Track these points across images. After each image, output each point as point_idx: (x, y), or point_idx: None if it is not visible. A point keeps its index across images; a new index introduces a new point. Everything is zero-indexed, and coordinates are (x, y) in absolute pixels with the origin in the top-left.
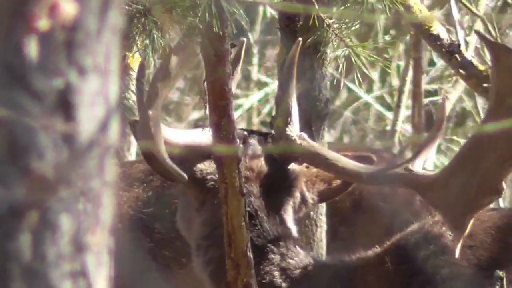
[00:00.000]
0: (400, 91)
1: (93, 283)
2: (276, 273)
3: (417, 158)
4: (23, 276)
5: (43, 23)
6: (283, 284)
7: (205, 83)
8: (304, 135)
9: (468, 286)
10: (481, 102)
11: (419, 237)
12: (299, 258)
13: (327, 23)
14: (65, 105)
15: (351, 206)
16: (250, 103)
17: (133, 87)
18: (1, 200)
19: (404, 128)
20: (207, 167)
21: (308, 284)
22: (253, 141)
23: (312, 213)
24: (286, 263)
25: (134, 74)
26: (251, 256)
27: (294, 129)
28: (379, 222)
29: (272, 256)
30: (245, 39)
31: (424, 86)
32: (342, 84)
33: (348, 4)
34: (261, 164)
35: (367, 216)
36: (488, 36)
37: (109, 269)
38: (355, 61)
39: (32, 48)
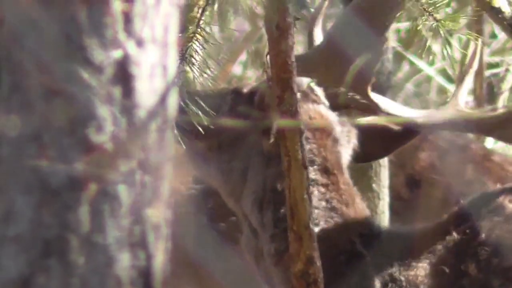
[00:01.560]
0: (462, 64)
1: (152, 255)
2: (357, 240)
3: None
4: (82, 248)
5: None
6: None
7: (268, 56)
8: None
9: None
10: None
11: (481, 207)
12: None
13: None
14: (124, 77)
15: (404, 181)
16: None
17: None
18: (61, 172)
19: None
20: None
21: (381, 251)
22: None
23: (374, 185)
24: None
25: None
26: (314, 229)
27: None
28: (433, 196)
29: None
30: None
31: (486, 58)
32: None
33: None
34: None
35: (421, 190)
36: None
37: (168, 242)
38: (443, 34)
39: (90, 19)
